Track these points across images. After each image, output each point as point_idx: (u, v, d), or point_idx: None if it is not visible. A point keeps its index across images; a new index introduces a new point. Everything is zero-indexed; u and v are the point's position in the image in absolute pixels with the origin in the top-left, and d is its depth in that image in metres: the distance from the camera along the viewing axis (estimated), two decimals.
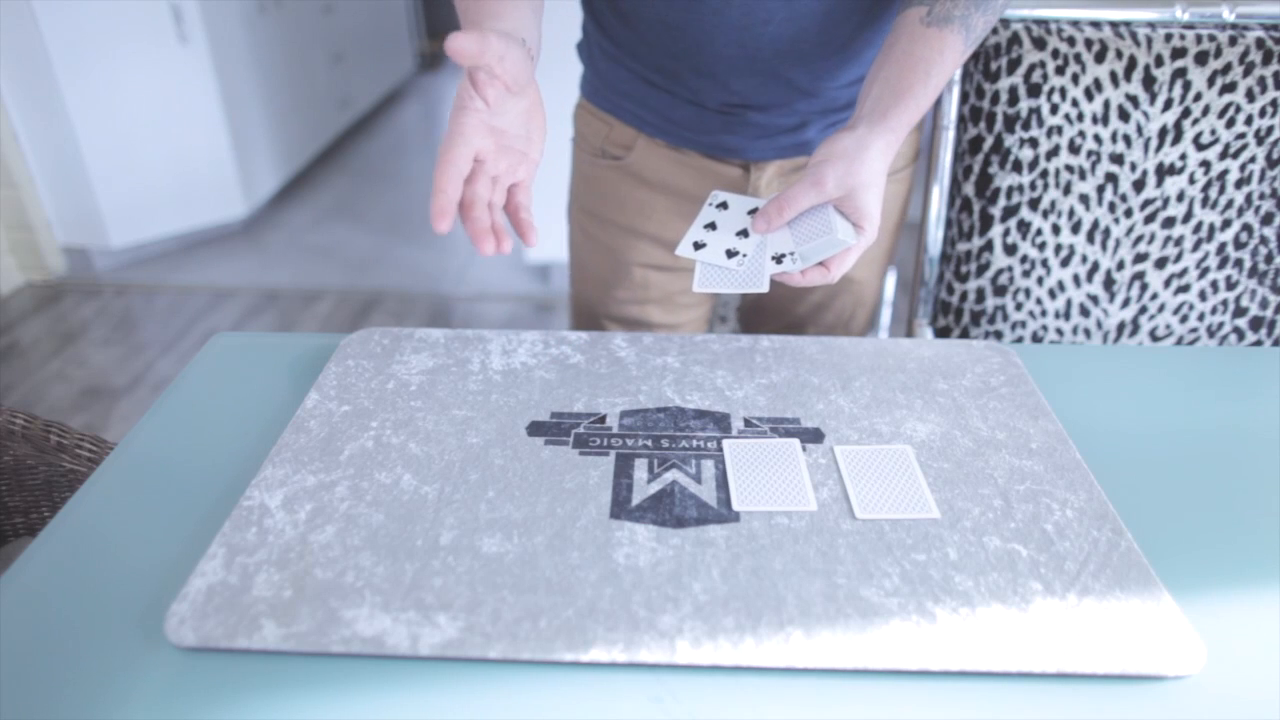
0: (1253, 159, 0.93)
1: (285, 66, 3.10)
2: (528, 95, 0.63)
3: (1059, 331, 1.03)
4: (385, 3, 4.19)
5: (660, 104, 0.86)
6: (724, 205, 0.71)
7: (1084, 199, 0.96)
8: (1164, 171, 0.94)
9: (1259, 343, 1.02)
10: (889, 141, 0.65)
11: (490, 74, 0.58)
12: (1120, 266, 0.99)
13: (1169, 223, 0.97)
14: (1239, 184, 0.94)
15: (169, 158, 2.60)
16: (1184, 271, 0.99)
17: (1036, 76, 0.92)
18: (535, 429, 0.64)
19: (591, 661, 0.46)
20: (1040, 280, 1.00)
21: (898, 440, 0.64)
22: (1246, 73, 0.90)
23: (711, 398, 0.68)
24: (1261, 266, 0.98)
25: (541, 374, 0.71)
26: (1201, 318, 1.01)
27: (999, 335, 1.04)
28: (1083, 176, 0.95)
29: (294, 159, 3.23)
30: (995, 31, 0.93)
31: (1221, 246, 0.97)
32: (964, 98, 0.97)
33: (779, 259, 0.67)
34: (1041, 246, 0.99)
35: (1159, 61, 0.91)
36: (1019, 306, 1.02)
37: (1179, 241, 0.97)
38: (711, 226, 0.70)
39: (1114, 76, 0.92)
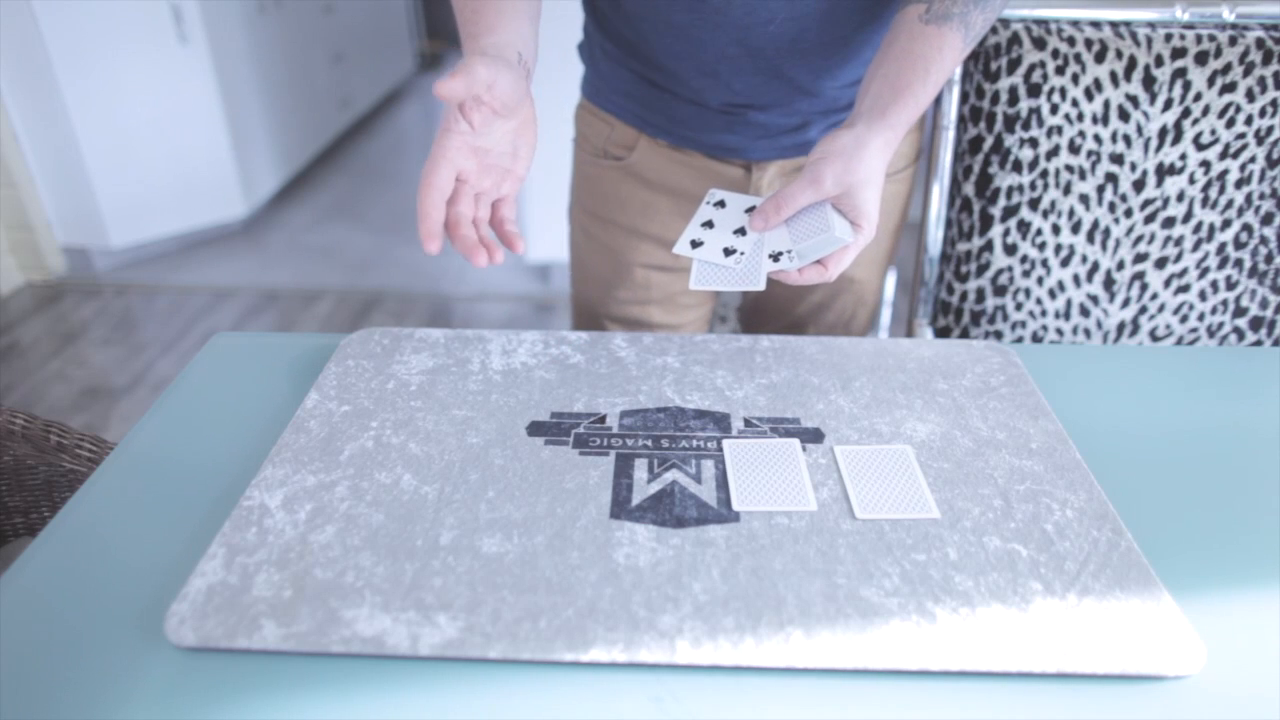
0: (1253, 159, 0.93)
1: (285, 66, 3.10)
2: (519, 114, 0.64)
3: (1059, 331, 1.03)
4: (385, 3, 4.19)
5: (662, 104, 0.86)
6: (722, 204, 0.71)
7: (1084, 199, 0.96)
8: (1164, 171, 0.94)
9: (1259, 343, 1.02)
10: (887, 139, 0.65)
11: (477, 100, 0.58)
12: (1120, 266, 0.99)
13: (1169, 223, 0.97)
14: (1239, 184, 0.94)
15: (169, 158, 2.60)
16: (1184, 271, 0.99)
17: (1036, 76, 0.92)
18: (535, 429, 0.64)
19: (591, 661, 0.46)
20: (1040, 280, 1.00)
21: (898, 440, 0.64)
22: (1246, 73, 0.90)
23: (711, 398, 0.68)
24: (1261, 266, 0.98)
25: (541, 374, 0.71)
26: (1201, 318, 1.01)
27: (999, 335, 1.04)
28: (1083, 176, 0.95)
29: (294, 159, 3.23)
30: (995, 31, 0.93)
31: (1221, 246, 0.97)
32: (964, 98, 0.97)
33: (776, 257, 0.67)
34: (1041, 246, 0.99)
35: (1159, 61, 0.91)
36: (1019, 306, 1.02)
37: (1179, 241, 0.97)
38: (709, 225, 0.70)
39: (1114, 76, 0.92)
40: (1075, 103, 0.93)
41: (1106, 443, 0.65)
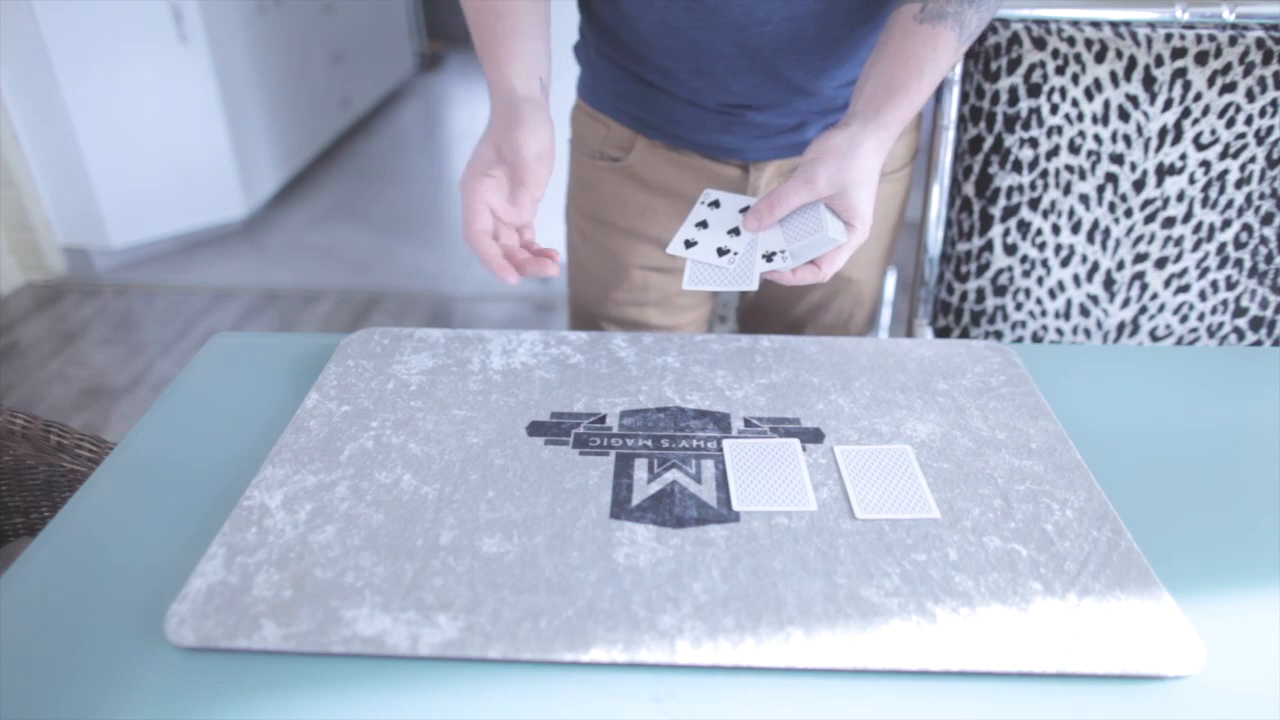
0: (1253, 159, 0.93)
1: (285, 66, 3.10)
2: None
3: (1059, 331, 1.03)
4: (385, 3, 4.18)
5: (659, 105, 0.86)
6: (716, 204, 0.71)
7: (1084, 199, 0.96)
8: (1164, 171, 0.94)
9: (1259, 343, 1.02)
10: (882, 139, 0.65)
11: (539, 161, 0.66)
12: (1120, 266, 0.99)
13: (1169, 223, 0.97)
14: (1239, 184, 0.94)
15: (169, 158, 2.60)
16: (1184, 271, 0.99)
17: (1036, 76, 0.92)
18: (535, 429, 0.64)
19: (591, 661, 0.46)
20: (1040, 280, 1.00)
21: (898, 440, 0.64)
22: (1246, 73, 0.90)
23: (711, 398, 0.68)
24: (1261, 266, 0.98)
25: (541, 374, 0.71)
26: (1201, 318, 1.01)
27: (999, 335, 1.04)
28: (1083, 176, 0.95)
29: (294, 159, 3.23)
30: (995, 31, 0.93)
31: (1221, 246, 0.97)
32: (964, 98, 0.97)
33: (770, 257, 0.67)
34: (1041, 246, 0.99)
35: (1159, 61, 0.91)
36: (1019, 306, 1.02)
37: (1179, 241, 0.97)
38: (703, 225, 0.70)
39: (1114, 76, 0.92)
40: (1075, 103, 0.93)
41: (1106, 443, 0.65)
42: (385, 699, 0.45)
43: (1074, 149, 0.95)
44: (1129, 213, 0.96)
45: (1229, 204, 0.95)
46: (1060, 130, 0.94)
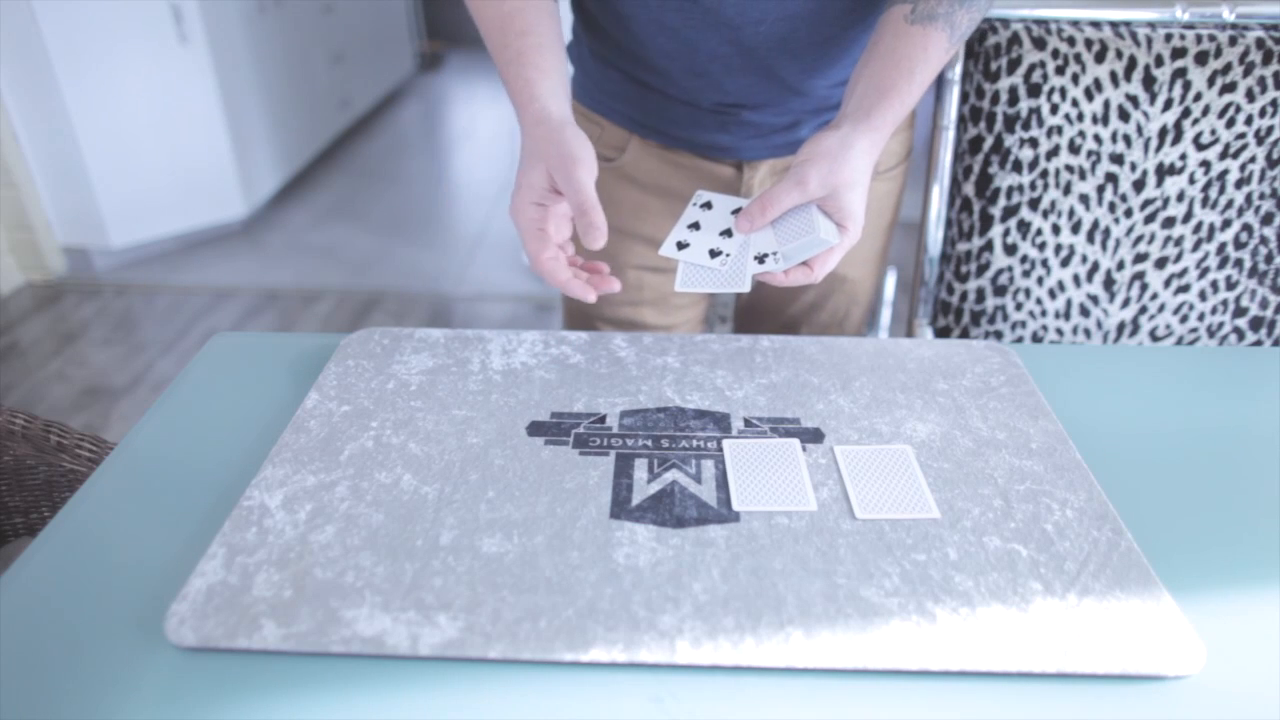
0: (1253, 159, 0.93)
1: (285, 66, 3.10)
2: None
3: (1059, 331, 1.03)
4: (385, 3, 4.19)
5: (653, 105, 0.86)
6: (708, 205, 0.71)
7: (1084, 199, 0.96)
8: (1164, 171, 0.94)
9: (1259, 343, 1.02)
10: (873, 140, 0.65)
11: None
12: (1120, 266, 0.99)
13: (1169, 223, 0.97)
14: (1239, 184, 0.94)
15: (169, 158, 2.60)
16: (1184, 271, 0.99)
17: (1036, 76, 0.92)
18: (535, 429, 0.64)
19: (591, 661, 0.46)
20: (1040, 280, 1.00)
21: (898, 440, 0.64)
22: (1246, 73, 0.90)
23: (711, 398, 0.68)
24: (1261, 266, 0.98)
25: (541, 374, 0.71)
26: (1201, 318, 1.01)
27: (999, 335, 1.04)
28: (1083, 176, 0.95)
29: (294, 159, 3.23)
30: (995, 31, 0.93)
31: (1221, 246, 0.97)
32: (964, 98, 0.97)
33: (761, 259, 0.67)
34: (1041, 246, 0.99)
35: (1159, 61, 0.91)
36: (1019, 306, 1.02)
37: (1179, 241, 0.97)
38: (695, 226, 0.70)
39: (1114, 76, 0.92)
40: (1075, 103, 0.93)
41: (1106, 443, 0.65)
42: (385, 699, 0.45)
43: (1074, 149, 0.95)
44: (1129, 213, 0.96)
45: (1229, 204, 0.95)
46: (1060, 130, 0.94)
